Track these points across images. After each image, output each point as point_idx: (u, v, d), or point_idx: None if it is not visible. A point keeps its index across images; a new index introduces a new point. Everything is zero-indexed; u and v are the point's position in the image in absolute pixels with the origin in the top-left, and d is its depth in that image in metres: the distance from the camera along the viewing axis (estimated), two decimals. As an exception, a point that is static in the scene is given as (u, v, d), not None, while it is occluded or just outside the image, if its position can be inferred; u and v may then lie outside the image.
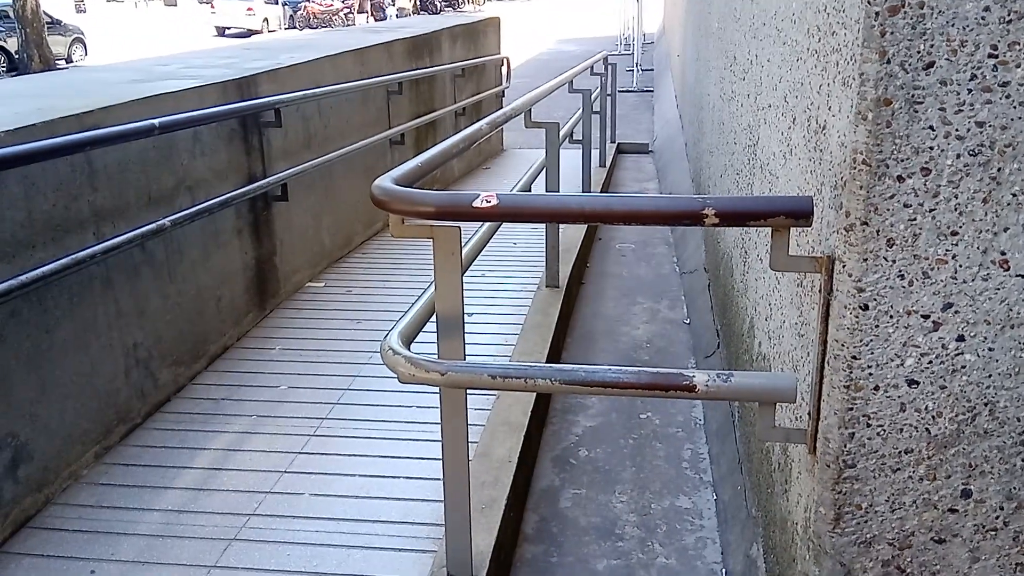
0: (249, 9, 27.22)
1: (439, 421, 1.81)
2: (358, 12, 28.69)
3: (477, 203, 1.46)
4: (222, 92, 3.23)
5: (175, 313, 2.94)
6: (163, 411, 2.84)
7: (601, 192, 6.41)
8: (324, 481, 2.45)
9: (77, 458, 2.45)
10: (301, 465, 2.53)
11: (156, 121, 2.55)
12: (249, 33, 25.96)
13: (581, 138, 5.16)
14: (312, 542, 2.18)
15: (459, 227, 1.60)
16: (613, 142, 8.34)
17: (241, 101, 3.31)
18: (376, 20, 28.24)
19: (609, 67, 7.39)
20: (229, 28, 26.47)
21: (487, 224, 2.49)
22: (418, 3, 34.38)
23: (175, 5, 40.06)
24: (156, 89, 2.85)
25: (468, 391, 1.80)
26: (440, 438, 1.81)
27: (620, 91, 10.60)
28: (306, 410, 2.85)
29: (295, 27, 28.29)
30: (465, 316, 1.73)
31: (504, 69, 7.85)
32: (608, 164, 7.29)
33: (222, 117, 3.14)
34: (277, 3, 28.87)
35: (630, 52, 15.03)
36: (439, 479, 1.87)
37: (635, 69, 13.82)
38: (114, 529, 2.22)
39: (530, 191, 3.46)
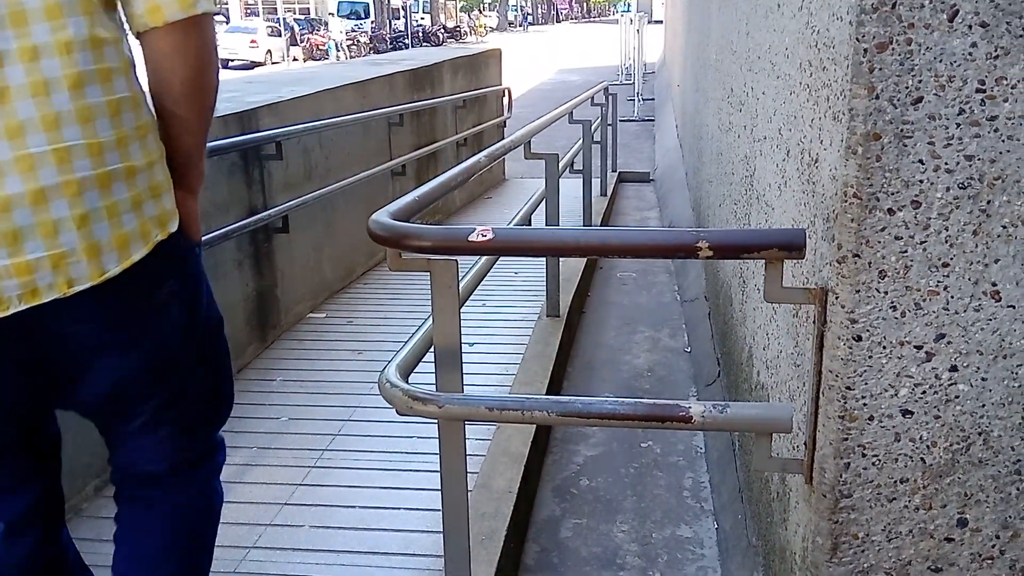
0: (252, 41, 27.58)
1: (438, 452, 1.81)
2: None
3: (473, 237, 1.48)
4: (223, 126, 3.28)
5: (177, 345, 2.95)
6: (164, 443, 2.84)
7: (602, 221, 6.45)
8: (325, 513, 2.45)
9: (77, 492, 2.45)
10: (301, 497, 2.53)
11: (159, 155, 2.58)
12: (252, 65, 26.28)
13: (582, 168, 5.21)
14: (312, 575, 2.17)
15: (456, 261, 1.62)
16: (615, 171, 8.40)
17: (242, 134, 3.36)
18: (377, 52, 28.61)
19: (610, 97, 7.47)
20: (232, 60, 26.80)
21: (486, 256, 2.51)
22: (421, 35, 34.87)
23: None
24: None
25: (467, 422, 1.80)
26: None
27: (621, 120, 10.71)
28: (307, 441, 2.86)
29: (298, 59, 28.66)
30: (466, 346, 1.74)
31: (505, 99, 7.94)
32: (610, 193, 7.34)
33: (223, 151, 3.18)
34: (280, 35, 29.27)
35: (631, 82, 15.20)
36: (440, 510, 1.88)
37: (636, 99, 13.96)
38: (113, 563, 2.22)
39: (530, 222, 3.49)
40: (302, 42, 29.88)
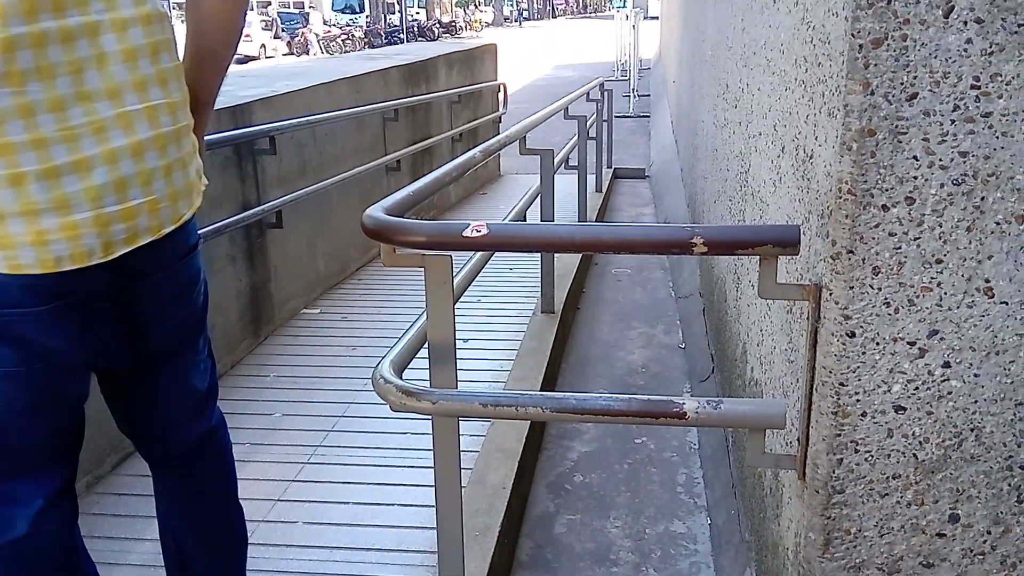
0: (247, 35, 27.46)
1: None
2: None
3: (467, 233, 1.47)
4: (216, 120, 3.26)
5: (170, 340, 2.94)
6: (157, 438, 2.83)
7: (597, 217, 6.45)
8: (318, 509, 2.45)
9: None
10: (295, 493, 2.53)
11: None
12: (246, 59, 26.17)
13: (577, 164, 5.20)
14: (306, 571, 2.17)
15: (450, 256, 1.61)
16: (610, 167, 8.40)
17: (235, 129, 3.34)
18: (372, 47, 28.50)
19: (605, 93, 7.46)
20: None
21: (480, 252, 2.51)
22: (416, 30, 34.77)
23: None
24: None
25: (461, 418, 1.80)
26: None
27: (617, 116, 10.69)
28: (300, 438, 2.85)
29: (292, 53, 28.54)
30: (460, 342, 1.73)
31: (501, 95, 7.93)
32: (605, 189, 7.34)
33: (216, 145, 3.16)
34: (271, 29, 29.17)
35: (627, 78, 15.18)
36: (433, 506, 1.87)
37: (632, 95, 13.95)
38: (106, 559, 2.21)
39: (524, 218, 3.49)
40: (294, 36, 29.74)
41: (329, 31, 31.16)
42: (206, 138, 3.06)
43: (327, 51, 28.02)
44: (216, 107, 3.26)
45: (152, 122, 1.36)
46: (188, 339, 1.58)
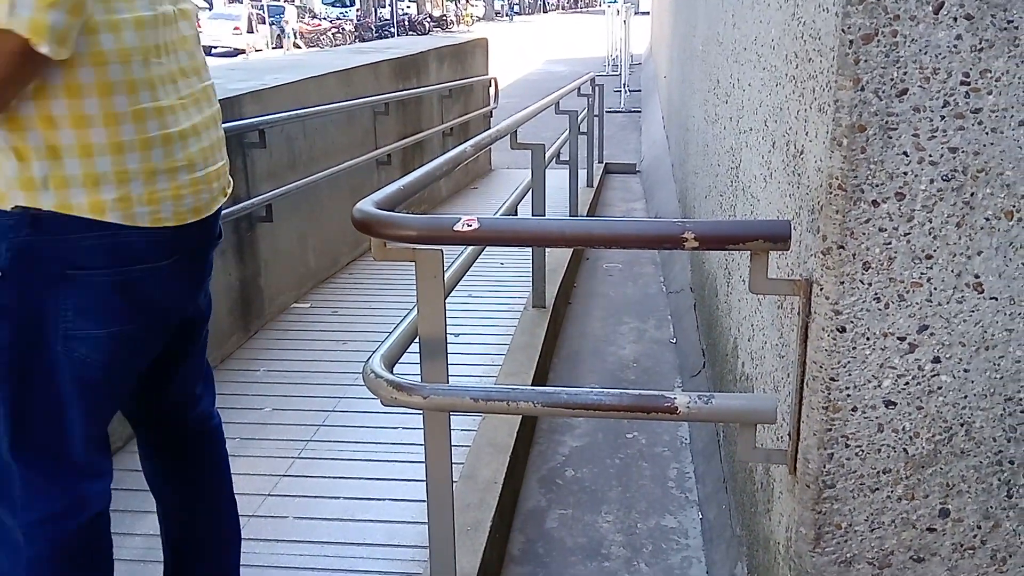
0: (236, 28, 27.28)
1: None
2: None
3: (458, 227, 1.47)
4: (208, 114, 3.24)
5: (159, 335, 2.92)
6: (146, 434, 2.82)
7: (589, 212, 6.45)
8: (308, 504, 2.44)
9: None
10: (285, 488, 2.52)
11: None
12: (236, 52, 26.01)
13: (568, 159, 5.20)
14: (296, 566, 2.17)
15: (441, 251, 1.61)
16: (601, 162, 8.40)
17: (225, 122, 3.31)
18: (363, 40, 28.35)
19: (596, 88, 7.45)
20: (215, 47, 26.51)
21: (471, 247, 2.50)
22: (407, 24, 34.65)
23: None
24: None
25: (452, 413, 1.80)
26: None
27: (608, 111, 10.69)
28: (291, 432, 2.84)
29: (282, 47, 28.38)
30: (451, 337, 1.74)
31: (492, 89, 7.91)
32: (596, 184, 7.34)
33: (207, 139, 3.14)
34: (264, 23, 28.97)
35: (618, 73, 15.18)
36: (425, 501, 1.87)
37: (623, 90, 13.95)
38: (95, 554, 2.20)
39: (516, 213, 3.48)
40: (282, 29, 29.54)
41: (318, 24, 30.96)
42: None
43: (308, 44, 27.76)
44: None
45: (211, 100, 1.56)
46: (211, 311, 1.73)
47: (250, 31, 28.39)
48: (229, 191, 1.63)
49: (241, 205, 3.42)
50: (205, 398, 1.77)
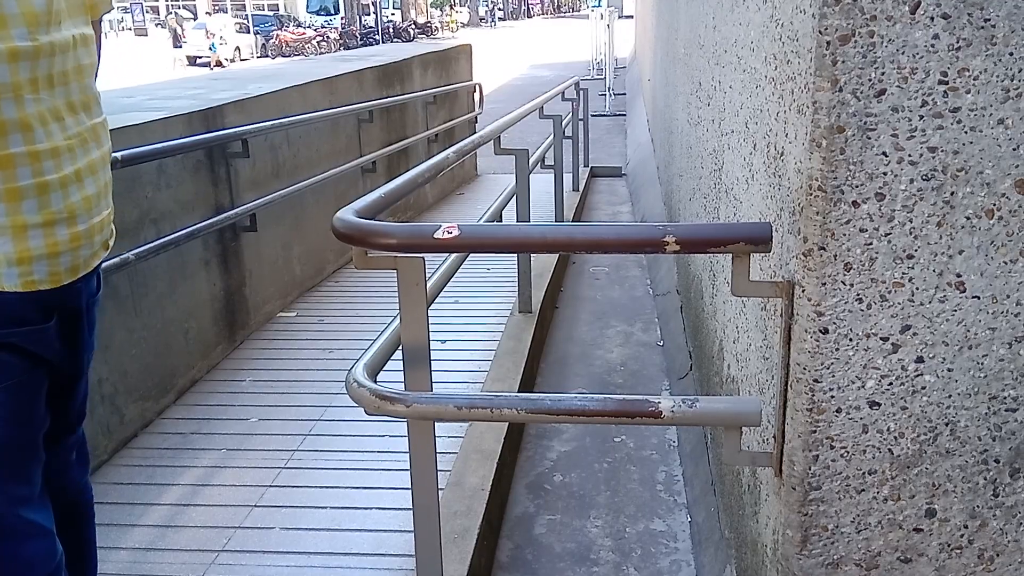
0: (221, 39, 27.19)
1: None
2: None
3: (439, 234, 1.46)
4: (188, 123, 3.22)
5: (141, 347, 2.90)
6: (130, 447, 2.79)
7: (574, 217, 6.45)
8: (295, 514, 2.42)
9: None
10: (272, 499, 2.50)
11: (119, 154, 2.53)
12: (218, 63, 25.91)
13: (553, 163, 5.19)
14: (282, 578, 2.14)
15: (423, 258, 1.60)
16: (586, 166, 8.41)
17: (207, 132, 3.30)
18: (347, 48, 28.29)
19: (581, 92, 7.46)
20: (200, 58, 26.41)
21: (455, 254, 2.49)
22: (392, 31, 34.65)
23: (145, 35, 39.93)
24: (120, 122, 2.83)
25: (438, 421, 1.78)
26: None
27: (593, 115, 10.71)
28: (277, 442, 2.82)
29: (268, 56, 28.31)
30: (437, 344, 1.72)
31: (477, 95, 7.91)
32: (581, 188, 7.34)
33: (187, 149, 3.12)
34: (249, 32, 28.89)
35: (602, 77, 15.21)
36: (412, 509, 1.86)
37: (607, 94, 13.98)
38: (78, 570, 2.17)
39: (500, 218, 3.48)
40: (270, 39, 29.47)
41: (303, 33, 30.87)
42: (180, 141, 3.06)
43: (293, 53, 27.54)
44: (188, 110, 3.26)
45: (100, 140, 1.40)
46: (89, 365, 1.57)
47: (176, 45, 27.90)
48: (111, 244, 1.47)
49: (225, 215, 3.40)
50: (78, 466, 1.63)
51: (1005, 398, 1.32)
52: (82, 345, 1.47)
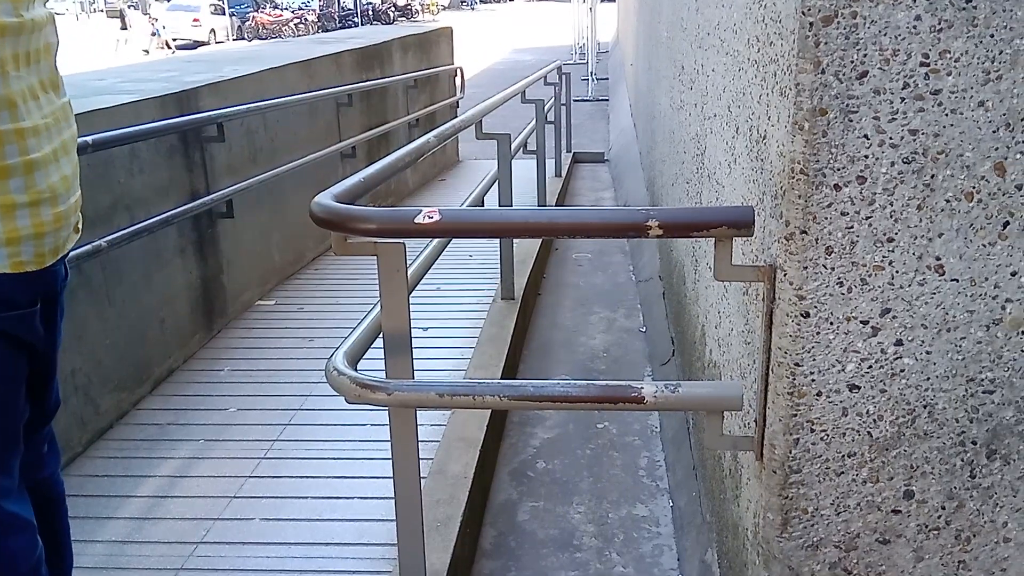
0: (195, 20, 26.77)
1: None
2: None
3: (419, 219, 1.44)
4: (160, 107, 3.16)
5: (115, 337, 2.85)
6: (105, 439, 2.75)
7: (557, 202, 6.43)
8: (275, 505, 2.40)
9: None
10: (251, 489, 2.47)
11: (89, 138, 2.48)
12: (196, 45, 25.54)
13: (535, 149, 5.16)
14: (263, 568, 2.13)
15: (403, 243, 1.58)
16: (569, 151, 8.38)
17: (181, 116, 3.24)
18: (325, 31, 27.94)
19: (563, 77, 7.42)
20: (175, 40, 25.99)
21: (436, 239, 2.47)
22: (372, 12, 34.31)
23: (119, 17, 39.19)
24: (89, 105, 2.77)
25: (420, 409, 1.77)
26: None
27: (575, 100, 10.67)
28: (256, 432, 2.79)
29: (244, 38, 27.93)
30: (419, 331, 1.71)
31: (458, 80, 7.84)
32: (564, 174, 7.32)
33: (160, 133, 3.07)
34: (224, 14, 28.46)
35: (585, 61, 15.16)
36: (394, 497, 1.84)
37: (590, 78, 13.93)
38: (54, 563, 2.14)
39: (483, 204, 3.45)
40: (247, 20, 29.07)
41: (280, 15, 30.47)
42: (152, 125, 3.00)
43: (270, 35, 27.09)
44: (161, 93, 3.20)
45: (69, 120, 1.37)
46: (57, 353, 1.52)
47: (123, 27, 27.05)
48: (81, 228, 1.44)
49: (200, 201, 3.35)
50: (51, 459, 1.60)
51: (983, 380, 1.33)
52: (57, 332, 1.45)
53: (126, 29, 27.61)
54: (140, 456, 2.65)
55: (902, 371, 1.33)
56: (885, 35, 1.20)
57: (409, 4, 40.84)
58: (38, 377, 1.43)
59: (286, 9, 32.94)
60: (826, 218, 1.27)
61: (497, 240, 4.10)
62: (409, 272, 1.63)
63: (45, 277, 1.31)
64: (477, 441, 2.67)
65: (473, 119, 3.33)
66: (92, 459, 2.64)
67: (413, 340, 1.67)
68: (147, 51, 24.30)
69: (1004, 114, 1.22)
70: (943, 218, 1.26)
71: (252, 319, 3.82)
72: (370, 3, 37.13)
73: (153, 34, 25.68)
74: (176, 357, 3.27)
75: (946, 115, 1.23)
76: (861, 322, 1.31)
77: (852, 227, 1.27)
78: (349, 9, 34.77)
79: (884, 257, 1.28)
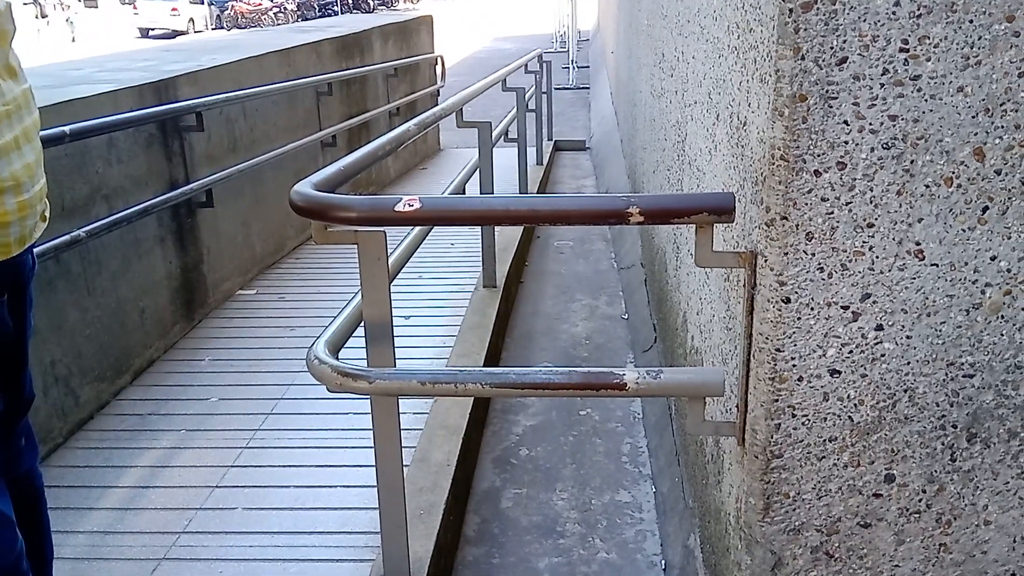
0: (174, 9, 26.40)
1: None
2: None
3: (400, 207, 1.43)
4: (138, 96, 3.12)
5: (95, 327, 2.82)
6: (86, 429, 2.73)
7: (539, 190, 6.43)
8: (258, 494, 2.39)
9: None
10: (233, 479, 2.46)
11: (67, 128, 2.44)
12: (174, 34, 25.21)
13: (516, 137, 5.15)
14: (246, 557, 2.12)
15: (383, 232, 1.57)
16: (550, 140, 8.36)
17: (159, 105, 3.20)
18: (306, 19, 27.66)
19: (544, 64, 7.40)
20: (153, 29, 25.64)
21: (418, 227, 2.46)
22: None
23: (96, 6, 38.58)
24: (67, 95, 2.73)
25: (402, 397, 1.76)
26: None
27: (557, 88, 10.65)
28: (238, 422, 2.78)
29: (223, 27, 27.58)
30: (401, 320, 1.70)
31: (439, 68, 7.80)
32: (546, 162, 7.31)
33: (138, 122, 3.03)
34: (203, 3, 28.09)
35: (566, 49, 15.12)
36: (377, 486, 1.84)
37: (571, 66, 13.90)
38: (34, 556, 2.12)
39: (464, 192, 3.44)
40: (225, 9, 28.70)
41: (259, 4, 30.10)
42: (129, 114, 2.96)
43: (248, 24, 26.75)
44: (139, 83, 3.16)
45: (31, 107, 1.36)
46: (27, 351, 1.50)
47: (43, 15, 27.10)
48: (48, 216, 1.41)
49: (180, 191, 3.31)
50: (29, 452, 1.59)
51: (962, 364, 1.34)
52: (27, 322, 1.42)
53: (44, 18, 27.40)
54: (121, 446, 2.63)
55: (883, 356, 1.34)
56: (864, 21, 1.21)
57: (389, -8, 40.44)
58: (8, 368, 1.41)
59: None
60: (806, 204, 1.27)
61: (479, 228, 4.09)
62: (390, 260, 1.63)
63: (12, 267, 1.29)
64: (460, 429, 2.67)
65: (454, 107, 3.31)
66: (73, 450, 2.62)
67: (395, 328, 1.66)
68: (74, 38, 24.39)
69: (983, 99, 1.23)
70: (923, 203, 1.27)
71: (233, 309, 3.79)
72: (350, -9, 36.71)
73: (67, 20, 25.58)
74: (157, 347, 3.24)
75: (925, 100, 1.24)
76: (842, 307, 1.31)
77: (832, 213, 1.28)
78: (329, -3, 34.39)
79: (864, 242, 1.29)
